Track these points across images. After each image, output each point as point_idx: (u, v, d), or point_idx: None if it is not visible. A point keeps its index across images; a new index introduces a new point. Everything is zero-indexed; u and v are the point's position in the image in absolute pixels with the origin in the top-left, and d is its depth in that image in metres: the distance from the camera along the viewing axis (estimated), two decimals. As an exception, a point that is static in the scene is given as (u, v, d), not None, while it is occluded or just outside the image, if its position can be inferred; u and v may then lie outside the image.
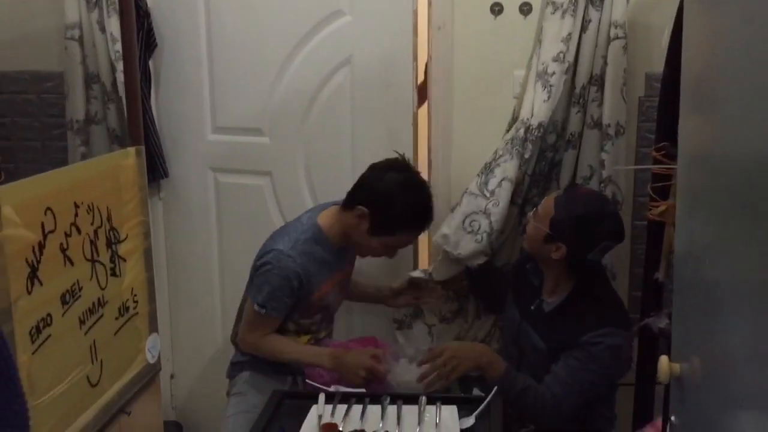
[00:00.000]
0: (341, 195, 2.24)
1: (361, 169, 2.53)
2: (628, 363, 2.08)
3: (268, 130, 2.62)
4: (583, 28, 2.34)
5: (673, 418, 1.36)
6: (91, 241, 1.56)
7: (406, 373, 2.05)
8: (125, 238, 1.70)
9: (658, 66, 2.29)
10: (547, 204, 2.07)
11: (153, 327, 1.80)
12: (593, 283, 2.10)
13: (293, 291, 2.05)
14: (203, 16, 2.61)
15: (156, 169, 2.68)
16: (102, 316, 1.61)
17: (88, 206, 1.55)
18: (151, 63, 2.65)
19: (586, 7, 2.32)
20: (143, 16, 2.56)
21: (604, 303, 2.08)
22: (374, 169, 2.12)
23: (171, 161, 2.74)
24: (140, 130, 1.71)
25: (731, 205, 1.10)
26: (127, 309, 1.71)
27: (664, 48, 2.16)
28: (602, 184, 2.40)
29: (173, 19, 2.63)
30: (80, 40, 2.56)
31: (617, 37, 2.31)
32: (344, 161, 2.54)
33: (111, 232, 1.64)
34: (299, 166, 2.59)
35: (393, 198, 2.04)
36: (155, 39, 2.63)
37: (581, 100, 2.40)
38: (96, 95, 2.61)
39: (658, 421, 2.27)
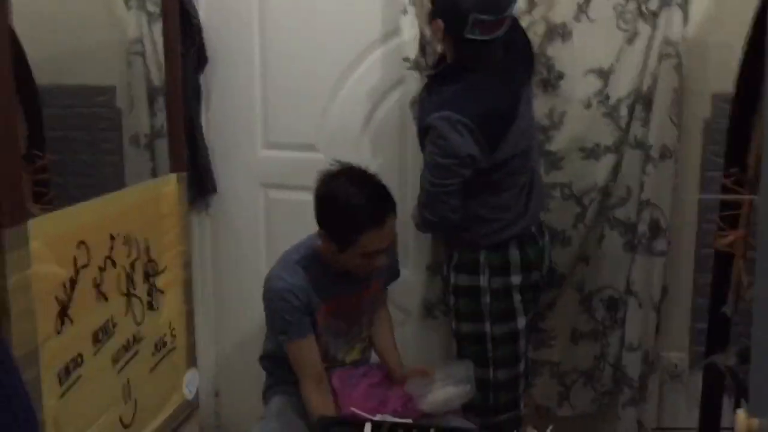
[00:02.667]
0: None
1: (417, 188, 2.39)
2: (462, 144, 1.89)
3: (323, 146, 2.49)
4: (629, 41, 2.14)
5: (746, 480, 1.17)
6: (127, 275, 1.42)
7: (439, 394, 1.95)
8: (164, 270, 1.55)
9: (725, 86, 2.07)
10: None
11: (191, 362, 1.65)
12: (468, 66, 1.93)
13: (299, 307, 1.88)
14: (257, 32, 2.49)
15: (205, 184, 2.56)
16: (137, 352, 1.47)
17: (125, 238, 1.41)
18: (201, 78, 2.54)
19: (634, 20, 2.13)
20: (195, 31, 2.44)
21: (463, 87, 1.91)
22: (319, 186, 1.92)
23: (220, 177, 2.63)
24: (183, 154, 1.57)
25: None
26: (164, 344, 1.57)
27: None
28: (640, 207, 2.20)
29: (226, 34, 2.52)
30: (143, 55, 2.47)
31: (670, 56, 2.11)
32: (401, 178, 2.42)
33: (149, 264, 1.49)
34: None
35: (334, 204, 1.84)
36: (206, 55, 2.51)
37: (615, 114, 2.19)
38: (161, 108, 2.49)
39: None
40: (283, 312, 1.88)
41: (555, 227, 2.29)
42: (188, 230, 1.63)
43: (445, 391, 1.97)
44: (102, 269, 1.34)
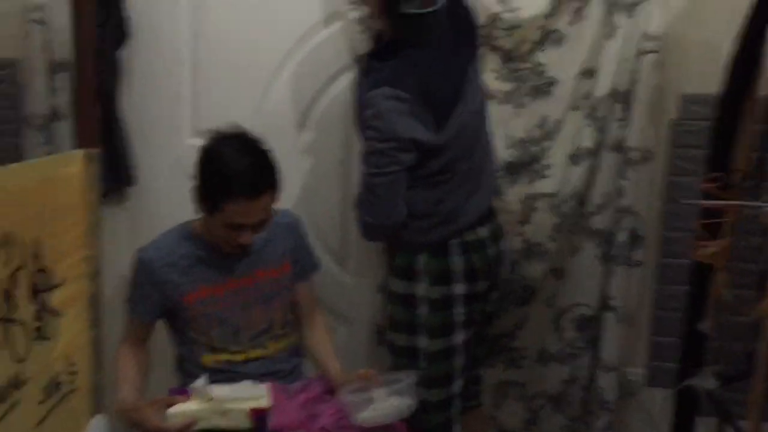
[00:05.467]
0: (335, 208, 1.94)
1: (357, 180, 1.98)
2: (403, 124, 1.57)
3: (261, 137, 2.04)
4: (609, 35, 1.87)
5: None
6: (5, 291, 0.90)
7: (379, 408, 1.55)
8: (61, 283, 1.03)
9: (696, 86, 1.91)
10: None
11: (98, 406, 1.13)
12: (407, 41, 1.62)
13: (143, 285, 1.63)
14: (188, 7, 2.02)
15: (120, 175, 2.06)
16: (16, 404, 0.95)
17: (2, 237, 0.89)
18: (122, 55, 2.01)
19: (612, 12, 1.86)
20: (116, 2, 1.93)
21: (402, 61, 1.61)
22: (207, 140, 1.63)
23: (141, 166, 2.11)
24: (93, 129, 1.05)
25: None
26: (58, 386, 1.03)
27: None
28: (619, 215, 1.87)
29: (153, 7, 2.03)
30: (44, 22, 1.93)
31: (651, 51, 1.84)
32: (344, 172, 2.05)
33: (39, 275, 0.97)
34: (294, 176, 2.03)
35: (212, 163, 1.59)
36: (128, 28, 2.00)
37: (595, 114, 1.85)
38: (62, 86, 1.98)
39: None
40: (133, 285, 1.65)
41: (532, 240, 1.97)
42: (96, 228, 1.10)
43: (386, 404, 1.56)
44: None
